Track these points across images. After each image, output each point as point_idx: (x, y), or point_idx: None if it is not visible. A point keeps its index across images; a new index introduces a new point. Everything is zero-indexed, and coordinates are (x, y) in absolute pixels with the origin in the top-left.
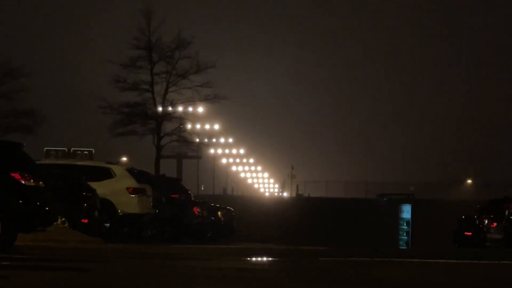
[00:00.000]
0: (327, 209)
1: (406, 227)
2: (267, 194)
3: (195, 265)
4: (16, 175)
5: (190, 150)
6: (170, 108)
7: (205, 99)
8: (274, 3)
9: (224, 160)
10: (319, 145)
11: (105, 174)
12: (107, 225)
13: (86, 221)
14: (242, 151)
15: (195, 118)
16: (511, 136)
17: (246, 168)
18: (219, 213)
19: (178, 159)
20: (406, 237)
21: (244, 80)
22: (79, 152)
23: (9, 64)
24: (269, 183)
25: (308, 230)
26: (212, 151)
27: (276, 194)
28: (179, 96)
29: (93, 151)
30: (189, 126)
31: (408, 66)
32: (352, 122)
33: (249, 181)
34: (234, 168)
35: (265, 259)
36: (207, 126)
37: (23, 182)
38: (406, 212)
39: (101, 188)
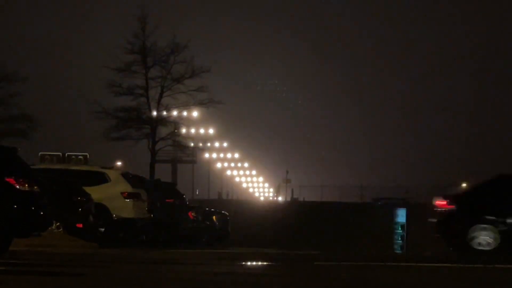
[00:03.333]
0: (322, 214)
1: (401, 231)
2: (262, 198)
3: (190, 270)
4: (11, 180)
5: (185, 154)
6: (164, 113)
7: (200, 104)
8: (269, 7)
9: (219, 165)
10: (314, 150)
11: (100, 178)
12: (102, 229)
13: (81, 225)
14: (237, 155)
15: (190, 122)
16: (506, 139)
17: (241, 172)
18: (214, 217)
19: (173, 163)
20: (401, 241)
21: (239, 84)
22: (74, 156)
23: (4, 69)
24: (264, 187)
25: (303, 235)
26: (207, 155)
27: (271, 198)
28: (174, 100)
29: (88, 156)
30: (183, 130)
31: (404, 71)
32: (347, 127)
33: (244, 185)
34: (229, 172)
35: (260, 263)
36: (202, 131)
37: (17, 187)
38: (401, 216)
39: (96, 192)
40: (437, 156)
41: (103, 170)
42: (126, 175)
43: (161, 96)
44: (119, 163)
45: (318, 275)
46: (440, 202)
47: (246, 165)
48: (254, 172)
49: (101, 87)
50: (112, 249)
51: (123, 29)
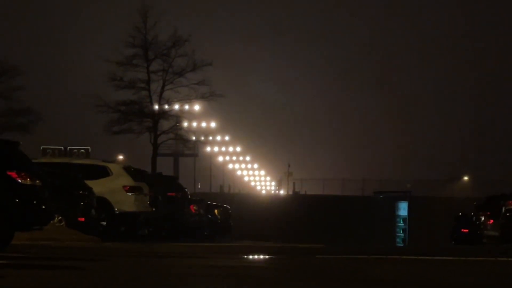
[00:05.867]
0: (324, 207)
1: (402, 225)
2: (263, 192)
3: (192, 263)
4: (13, 174)
5: (186, 148)
6: (166, 106)
7: (201, 97)
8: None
9: (220, 158)
10: (316, 143)
11: (102, 172)
12: (104, 223)
13: (83, 219)
14: (238, 148)
15: (191, 116)
16: (507, 133)
17: (243, 166)
18: (216, 211)
19: (174, 157)
20: (402, 234)
21: (240, 77)
22: (75, 150)
23: (6, 63)
24: (265, 181)
25: (304, 228)
26: (208, 149)
27: (272, 192)
28: (175, 94)
29: (90, 150)
30: (185, 124)
31: (403, 64)
32: (349, 120)
33: (246, 179)
34: (230, 166)
35: (261, 257)
36: (203, 124)
37: (19, 180)
38: (403, 209)
39: (98, 186)
40: (438, 150)
41: (105, 164)
42: (128, 169)
43: (162, 89)
44: (121, 157)
45: (320, 268)
46: None
47: (248, 158)
48: (256, 166)
49: (103, 80)
50: (114, 243)
51: (124, 22)
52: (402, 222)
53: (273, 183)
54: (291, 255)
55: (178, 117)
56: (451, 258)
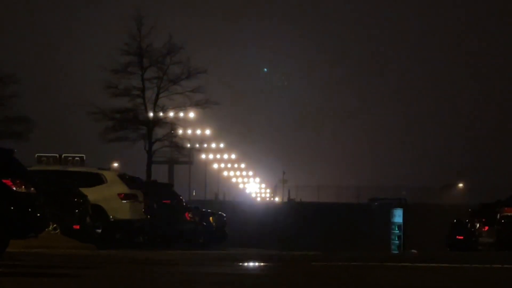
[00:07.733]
0: (319, 214)
1: (398, 232)
2: (258, 199)
3: (187, 271)
4: (8, 182)
5: (181, 155)
6: (161, 114)
7: (196, 105)
8: (265, 7)
9: (215, 165)
10: (311, 150)
11: (97, 180)
12: (99, 231)
13: (78, 227)
14: (233, 156)
15: (186, 123)
16: (502, 140)
17: (238, 173)
18: (210, 218)
19: (169, 164)
20: (398, 242)
21: (236, 84)
22: (70, 158)
23: (1, 71)
24: (260, 188)
25: (300, 235)
26: (203, 156)
27: (267, 199)
28: (170, 101)
29: (85, 157)
30: (180, 131)
31: (400, 70)
32: (344, 127)
33: (241, 186)
34: (225, 173)
35: (257, 264)
36: (198, 132)
37: (14, 188)
38: (398, 216)
39: (93, 194)
40: (433, 157)
41: (100, 171)
42: (122, 176)
43: (157, 97)
44: (115, 164)
45: (315, 276)
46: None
47: (242, 166)
48: (250, 173)
49: (98, 88)
50: (109, 250)
51: (119, 30)
52: (397, 229)
53: (268, 190)
54: (287, 262)
55: (173, 124)
56: (446, 264)
